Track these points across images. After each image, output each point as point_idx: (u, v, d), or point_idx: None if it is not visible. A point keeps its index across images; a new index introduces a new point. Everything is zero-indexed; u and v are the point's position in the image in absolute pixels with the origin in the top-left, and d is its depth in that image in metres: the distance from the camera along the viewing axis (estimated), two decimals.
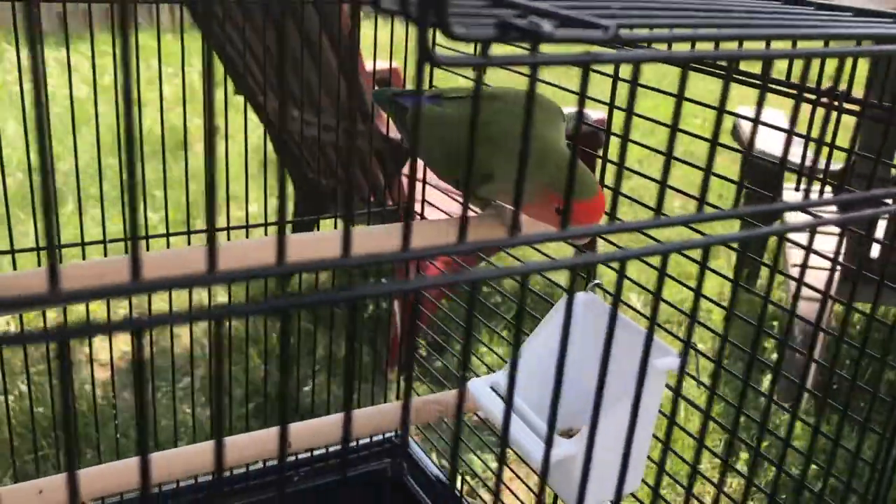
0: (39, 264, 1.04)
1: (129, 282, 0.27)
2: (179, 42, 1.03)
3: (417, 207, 1.12)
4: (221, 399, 0.30)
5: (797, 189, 0.69)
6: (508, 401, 0.37)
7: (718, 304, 0.77)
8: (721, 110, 0.35)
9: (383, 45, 1.07)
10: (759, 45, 0.43)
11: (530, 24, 0.27)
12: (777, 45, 0.46)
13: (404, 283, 0.31)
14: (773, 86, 0.57)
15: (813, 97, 0.54)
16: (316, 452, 1.09)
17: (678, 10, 0.49)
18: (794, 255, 1.98)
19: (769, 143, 1.86)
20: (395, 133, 1.57)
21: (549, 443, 0.36)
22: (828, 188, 0.66)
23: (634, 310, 0.96)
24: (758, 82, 0.57)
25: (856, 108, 0.53)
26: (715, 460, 1.48)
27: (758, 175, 2.01)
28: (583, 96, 0.29)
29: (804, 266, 0.56)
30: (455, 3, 0.34)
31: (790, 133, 0.41)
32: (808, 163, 0.61)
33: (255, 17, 1.54)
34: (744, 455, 1.55)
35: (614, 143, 0.84)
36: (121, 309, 1.81)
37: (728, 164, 3.25)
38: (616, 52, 0.29)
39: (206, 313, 0.28)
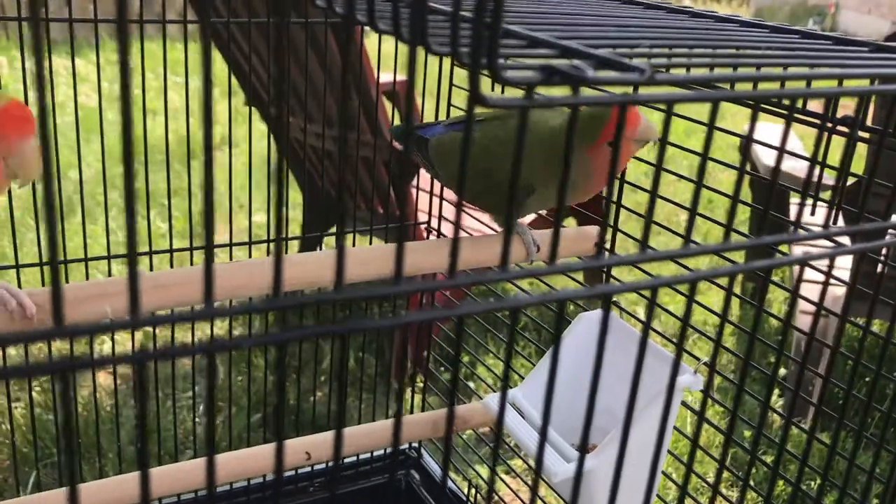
0: (42, 277, 1.05)
1: (129, 318, 0.28)
2: (186, 50, 1.05)
3: (434, 223, 1.13)
4: (214, 419, 0.32)
5: (802, 204, 0.71)
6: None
7: (736, 325, 0.78)
8: (749, 139, 0.37)
9: (387, 55, 1.07)
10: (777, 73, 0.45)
11: (572, 69, 0.29)
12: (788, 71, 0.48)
13: (397, 319, 0.32)
14: (797, 115, 0.58)
15: (830, 125, 0.55)
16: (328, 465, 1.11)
17: (697, 41, 0.50)
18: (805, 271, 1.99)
19: (772, 158, 1.88)
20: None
21: (581, 460, 0.38)
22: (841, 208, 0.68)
23: (643, 323, 0.97)
24: (781, 111, 0.59)
25: (868, 135, 0.55)
26: (725, 474, 1.49)
27: (765, 189, 2.03)
28: (619, 133, 0.31)
29: (824, 285, 0.58)
30: (501, 42, 0.36)
31: (813, 161, 0.43)
32: (820, 182, 0.63)
33: (265, 29, 1.56)
34: (761, 469, 1.56)
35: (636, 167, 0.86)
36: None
37: (733, 179, 3.26)
38: (651, 94, 0.31)
39: (207, 346, 0.28)
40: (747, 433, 1.62)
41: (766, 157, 2.22)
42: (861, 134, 0.57)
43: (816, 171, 0.66)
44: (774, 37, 0.50)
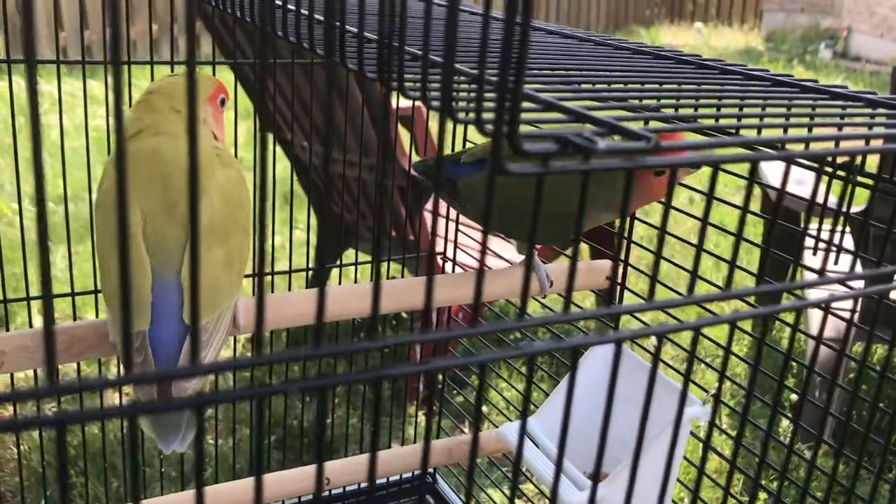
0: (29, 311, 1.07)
1: (123, 375, 0.30)
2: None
3: (449, 251, 1.17)
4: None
5: (815, 239, 0.74)
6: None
7: (741, 359, 0.81)
8: (751, 180, 0.40)
9: None
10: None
11: (584, 141, 0.32)
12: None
13: (390, 369, 0.34)
14: (799, 160, 0.61)
15: (831, 170, 0.58)
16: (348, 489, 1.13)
17: (698, 93, 0.54)
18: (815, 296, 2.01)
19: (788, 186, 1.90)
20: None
21: (593, 491, 0.41)
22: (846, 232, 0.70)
23: (653, 358, 1.00)
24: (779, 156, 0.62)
25: (869, 181, 0.58)
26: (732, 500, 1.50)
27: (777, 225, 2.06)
28: (627, 198, 0.34)
29: (824, 319, 0.61)
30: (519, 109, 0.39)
31: (812, 202, 0.46)
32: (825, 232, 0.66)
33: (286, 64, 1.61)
34: (762, 495, 1.57)
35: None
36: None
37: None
38: (656, 159, 0.34)
39: (193, 401, 0.30)
40: (776, 457, 1.64)
41: (775, 182, 2.24)
42: (860, 179, 0.60)
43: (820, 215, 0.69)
44: (774, 91, 0.54)
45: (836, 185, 0.69)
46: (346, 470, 0.94)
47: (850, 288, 0.53)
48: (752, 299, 0.78)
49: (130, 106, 0.94)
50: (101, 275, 0.68)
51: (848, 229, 1.89)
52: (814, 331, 1.84)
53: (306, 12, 0.53)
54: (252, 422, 1.71)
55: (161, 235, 0.64)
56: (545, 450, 0.77)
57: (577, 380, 0.85)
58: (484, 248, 0.36)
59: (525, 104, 0.41)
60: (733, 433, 1.64)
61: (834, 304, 0.72)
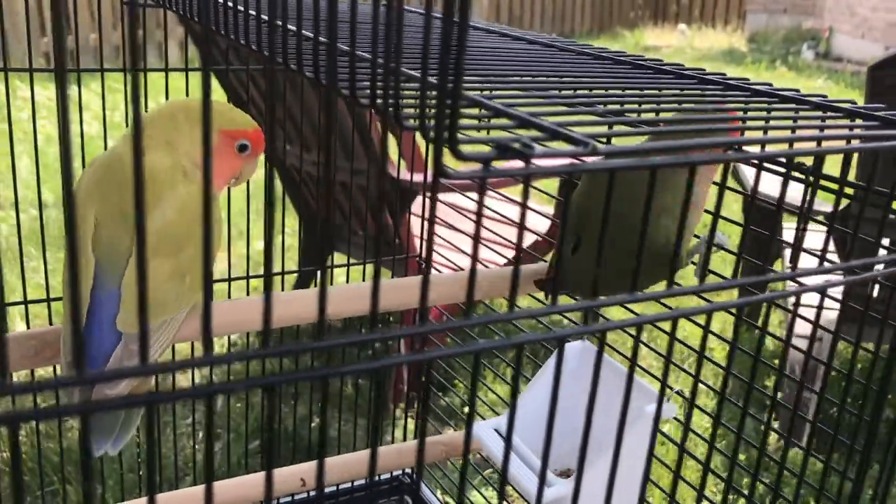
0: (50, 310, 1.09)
1: (139, 365, 0.31)
2: (186, 78, 1.09)
3: (425, 252, 1.18)
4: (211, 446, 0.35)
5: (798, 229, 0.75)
6: (505, 466, 0.42)
7: (712, 361, 0.82)
8: (722, 187, 0.41)
9: None
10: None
11: (523, 147, 0.33)
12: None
13: (371, 362, 0.36)
14: (767, 165, 0.62)
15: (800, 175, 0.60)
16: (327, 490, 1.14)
17: (644, 100, 0.55)
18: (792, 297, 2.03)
19: (769, 185, 1.93)
20: (402, 174, 1.64)
21: (541, 482, 0.42)
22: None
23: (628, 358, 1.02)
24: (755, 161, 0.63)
25: (834, 185, 0.60)
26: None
27: (757, 216, 2.08)
28: (566, 198, 0.35)
29: (792, 320, 0.62)
30: (464, 113, 0.40)
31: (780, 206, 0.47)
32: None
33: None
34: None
35: None
36: None
37: (728, 202, 3.32)
38: (595, 162, 0.35)
39: (145, 398, 0.32)
40: (742, 456, 1.66)
41: (751, 180, 2.27)
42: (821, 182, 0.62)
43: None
44: (727, 95, 0.55)
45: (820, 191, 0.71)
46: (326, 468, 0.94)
47: (801, 285, 0.54)
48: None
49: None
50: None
51: (826, 232, 1.90)
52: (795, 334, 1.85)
53: (254, 13, 0.54)
54: (229, 423, 1.72)
55: (110, 241, 0.66)
56: (514, 448, 0.78)
57: (547, 379, 0.86)
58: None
59: (475, 111, 0.42)
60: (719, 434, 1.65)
61: (807, 303, 0.73)
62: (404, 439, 1.29)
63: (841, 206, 1.63)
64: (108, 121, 1.08)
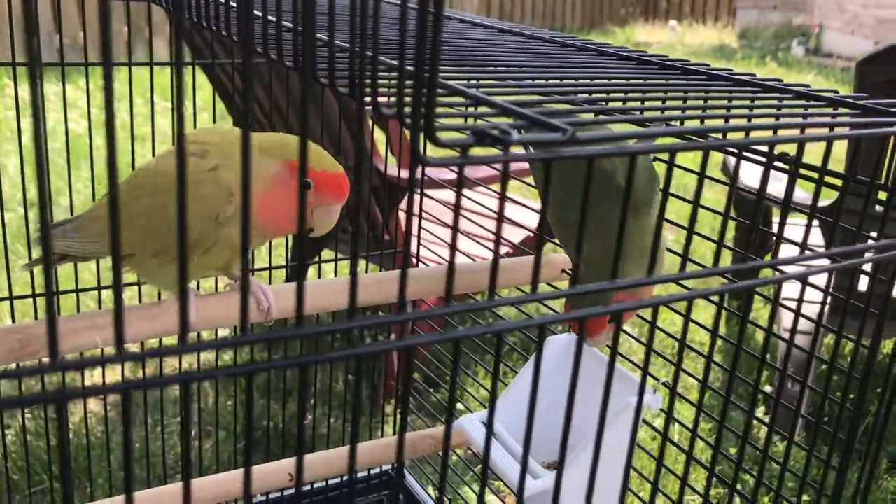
0: (35, 308, 1.08)
1: (115, 354, 0.31)
2: (173, 75, 1.08)
3: (415, 249, 1.18)
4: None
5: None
6: (486, 451, 0.42)
7: (695, 350, 0.82)
8: (702, 175, 0.41)
9: None
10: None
11: (501, 134, 0.33)
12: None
13: (357, 349, 0.36)
14: (749, 154, 0.62)
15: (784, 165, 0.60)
16: (316, 485, 1.14)
17: (629, 89, 0.55)
18: (785, 289, 2.04)
19: (755, 178, 1.93)
20: (392, 170, 1.63)
21: (522, 477, 0.42)
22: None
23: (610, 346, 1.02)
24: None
25: (814, 174, 0.60)
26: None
27: (746, 208, 2.09)
28: (547, 184, 0.35)
29: (771, 311, 0.62)
30: (443, 100, 0.40)
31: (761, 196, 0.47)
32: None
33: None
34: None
35: None
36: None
37: (718, 196, 3.33)
38: (574, 149, 0.35)
39: (179, 377, 0.32)
40: (733, 449, 1.66)
41: (745, 178, 2.27)
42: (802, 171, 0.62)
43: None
44: (711, 85, 0.55)
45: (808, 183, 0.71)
46: (309, 466, 0.94)
47: (781, 272, 0.54)
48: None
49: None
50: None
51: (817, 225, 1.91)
52: (783, 328, 1.86)
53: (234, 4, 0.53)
54: (217, 421, 1.72)
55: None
56: (503, 441, 0.78)
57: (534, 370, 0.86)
58: (452, 247, 0.37)
59: (455, 99, 0.42)
60: (704, 426, 1.66)
61: (794, 297, 0.73)
62: (395, 435, 1.29)
63: (828, 201, 1.62)
64: (93, 118, 1.07)
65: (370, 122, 1.54)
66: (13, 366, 0.77)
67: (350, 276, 0.33)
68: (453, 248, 0.36)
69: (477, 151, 0.36)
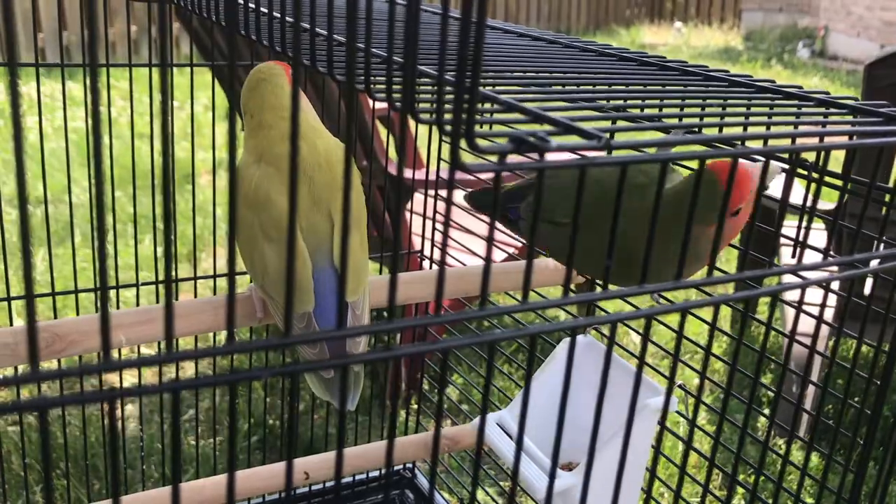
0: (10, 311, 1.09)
1: (99, 363, 0.32)
2: (186, 75, 1.09)
3: (427, 250, 1.18)
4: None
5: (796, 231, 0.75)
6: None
7: (713, 354, 0.83)
8: (729, 182, 0.42)
9: None
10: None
11: (538, 140, 0.34)
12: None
13: (389, 351, 0.37)
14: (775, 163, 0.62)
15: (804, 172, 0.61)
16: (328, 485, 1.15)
17: (656, 97, 0.56)
18: (789, 294, 2.04)
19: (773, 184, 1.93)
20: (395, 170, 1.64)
21: (552, 476, 0.42)
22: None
23: (629, 351, 1.02)
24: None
25: (838, 182, 0.60)
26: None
27: (764, 215, 2.09)
28: (580, 192, 0.36)
29: (797, 315, 0.63)
30: (476, 109, 0.41)
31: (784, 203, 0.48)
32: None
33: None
34: (741, 490, 1.60)
35: None
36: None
37: None
38: (607, 157, 0.36)
39: (169, 385, 0.32)
40: (753, 451, 1.67)
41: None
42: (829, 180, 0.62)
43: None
44: (732, 92, 0.56)
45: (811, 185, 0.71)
46: (323, 465, 0.95)
47: (803, 278, 0.55)
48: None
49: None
50: (251, 264, 0.75)
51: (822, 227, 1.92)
52: (789, 328, 1.87)
53: (279, 15, 0.54)
54: (230, 419, 1.72)
55: (313, 227, 0.72)
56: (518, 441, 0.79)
57: (551, 373, 0.87)
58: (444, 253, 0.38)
59: (487, 105, 0.43)
60: (712, 429, 1.66)
61: (807, 300, 0.74)
62: (405, 433, 1.30)
63: (830, 205, 1.62)
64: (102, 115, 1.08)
65: (413, 128, 1.54)
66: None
67: (339, 281, 0.34)
68: (489, 250, 0.36)
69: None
